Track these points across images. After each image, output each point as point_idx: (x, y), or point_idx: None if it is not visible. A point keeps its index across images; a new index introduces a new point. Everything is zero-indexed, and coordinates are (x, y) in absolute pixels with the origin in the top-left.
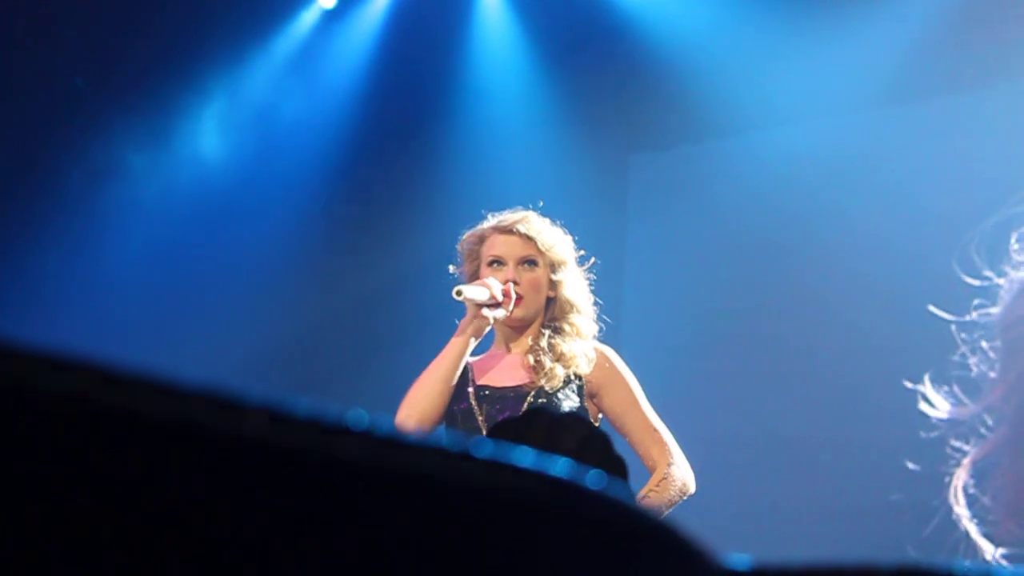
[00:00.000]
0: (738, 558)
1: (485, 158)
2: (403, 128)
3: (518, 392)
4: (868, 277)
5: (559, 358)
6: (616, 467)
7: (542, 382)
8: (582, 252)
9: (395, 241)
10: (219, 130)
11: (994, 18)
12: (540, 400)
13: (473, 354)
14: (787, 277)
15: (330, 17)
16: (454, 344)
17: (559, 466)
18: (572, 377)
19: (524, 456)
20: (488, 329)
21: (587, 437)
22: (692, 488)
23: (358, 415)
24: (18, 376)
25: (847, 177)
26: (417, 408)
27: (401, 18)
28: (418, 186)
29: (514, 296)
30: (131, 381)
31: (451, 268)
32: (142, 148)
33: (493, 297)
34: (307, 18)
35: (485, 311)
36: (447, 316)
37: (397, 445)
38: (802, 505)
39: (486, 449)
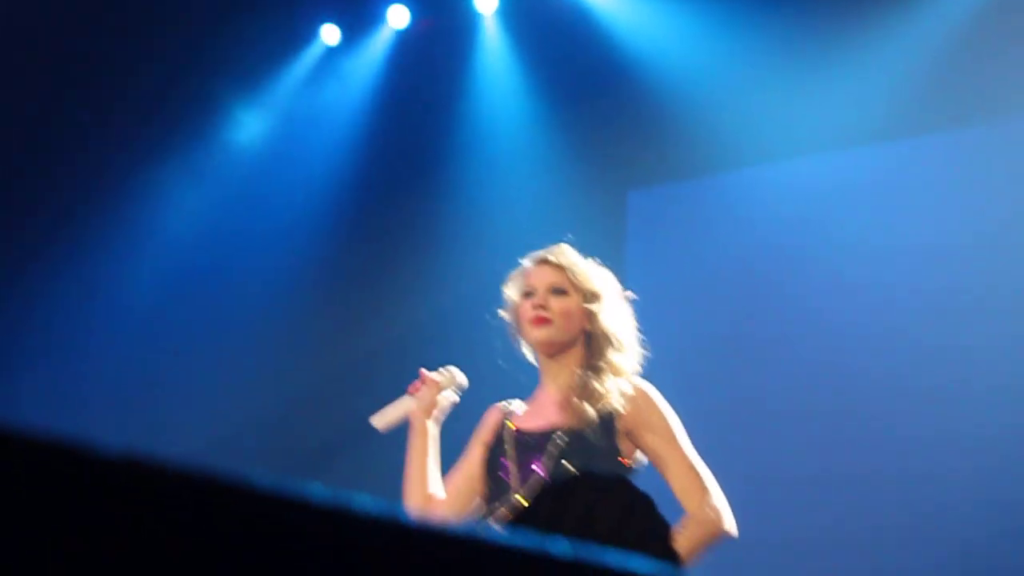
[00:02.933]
0: None
1: (484, 197)
2: (402, 168)
3: (544, 435)
4: (872, 310)
5: (590, 396)
6: (660, 533)
7: (572, 422)
8: (629, 294)
9: (397, 286)
10: (216, 174)
11: (995, 51)
12: (566, 440)
13: (524, 398)
14: (791, 312)
15: (332, 54)
16: (408, 454)
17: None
18: (605, 415)
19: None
20: (429, 417)
21: (630, 504)
22: (727, 527)
23: (385, 505)
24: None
25: (848, 210)
26: (415, 506)
27: (403, 57)
28: (419, 228)
29: (429, 378)
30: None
31: (501, 312)
32: (136, 196)
33: (411, 400)
34: (310, 55)
35: (411, 410)
36: (460, 359)
37: (455, 539)
38: (828, 535)
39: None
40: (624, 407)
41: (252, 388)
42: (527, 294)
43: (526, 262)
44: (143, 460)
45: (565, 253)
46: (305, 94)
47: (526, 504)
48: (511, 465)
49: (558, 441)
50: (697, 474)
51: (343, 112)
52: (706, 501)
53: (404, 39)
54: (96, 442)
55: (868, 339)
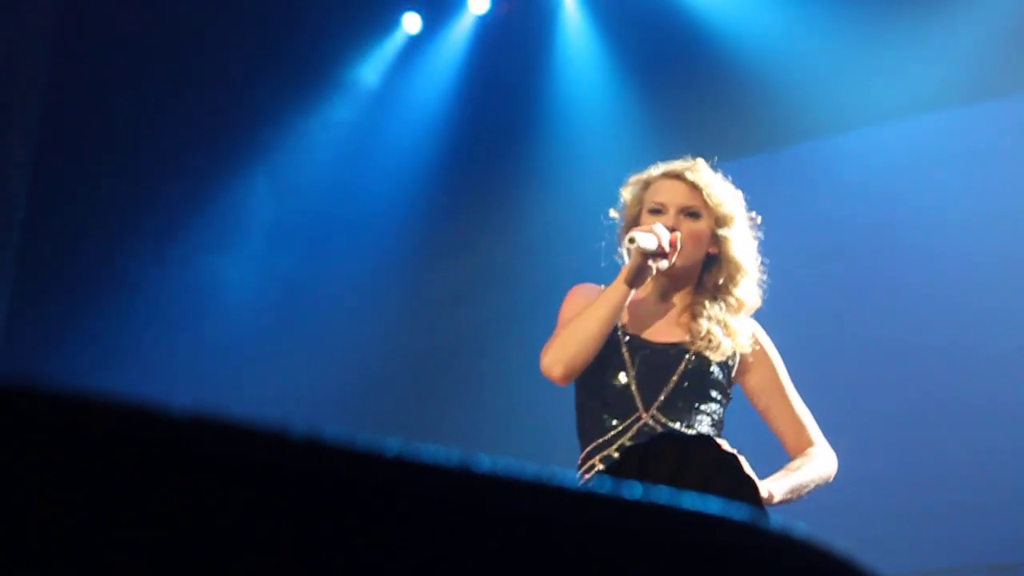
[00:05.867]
0: None
1: (571, 175)
2: (491, 144)
3: (677, 349)
4: (960, 277)
5: (729, 332)
6: (746, 488)
7: (705, 350)
8: (752, 214)
9: (485, 263)
10: (312, 153)
11: None
12: (696, 365)
13: None
14: (881, 279)
15: (416, 42)
16: (616, 291)
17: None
18: (732, 353)
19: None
20: (648, 279)
21: (716, 460)
22: (834, 473)
23: (490, 460)
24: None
25: (938, 175)
26: (568, 352)
27: (484, 42)
28: (506, 200)
29: (679, 246)
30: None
31: (612, 212)
32: (238, 170)
33: (660, 247)
34: (392, 44)
35: (650, 261)
36: (541, 307)
37: (562, 493)
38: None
39: (634, 492)
40: (747, 350)
41: (357, 342)
42: (655, 211)
43: (658, 171)
44: (212, 420)
45: (702, 171)
46: (389, 82)
47: (615, 460)
48: (631, 372)
49: (688, 363)
50: (806, 422)
51: (428, 98)
52: (820, 447)
53: (485, 24)
54: (167, 404)
55: (965, 300)
